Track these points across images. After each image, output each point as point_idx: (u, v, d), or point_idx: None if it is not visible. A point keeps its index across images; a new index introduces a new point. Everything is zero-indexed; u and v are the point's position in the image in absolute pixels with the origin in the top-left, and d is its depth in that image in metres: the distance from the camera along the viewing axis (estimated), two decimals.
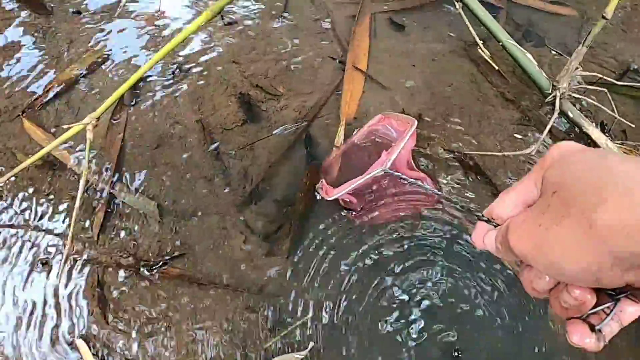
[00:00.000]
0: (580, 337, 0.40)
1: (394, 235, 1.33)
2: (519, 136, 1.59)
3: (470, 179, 1.48)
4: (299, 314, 1.20)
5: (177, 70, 1.54)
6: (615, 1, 1.43)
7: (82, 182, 0.95)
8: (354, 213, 1.33)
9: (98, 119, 0.93)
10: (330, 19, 1.77)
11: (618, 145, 1.55)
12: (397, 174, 0.69)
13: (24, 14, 1.58)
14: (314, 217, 1.36)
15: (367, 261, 1.30)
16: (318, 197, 1.35)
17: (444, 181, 1.46)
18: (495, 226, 0.47)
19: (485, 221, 0.48)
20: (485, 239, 0.47)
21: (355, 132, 1.43)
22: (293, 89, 1.58)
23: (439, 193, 0.69)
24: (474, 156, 1.52)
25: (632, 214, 0.33)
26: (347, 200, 1.29)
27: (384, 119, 1.38)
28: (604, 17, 1.45)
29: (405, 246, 1.32)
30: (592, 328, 0.40)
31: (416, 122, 1.23)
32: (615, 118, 1.62)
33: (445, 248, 1.32)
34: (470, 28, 1.67)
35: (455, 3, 1.68)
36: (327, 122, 1.54)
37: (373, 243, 1.33)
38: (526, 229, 0.41)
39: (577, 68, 1.57)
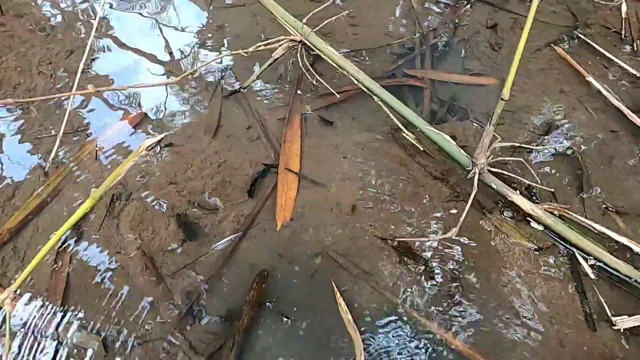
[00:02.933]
0: None
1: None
2: (452, 212, 1.67)
3: (405, 264, 1.54)
4: None
5: (116, 199, 1.63)
6: (509, 84, 1.55)
7: (5, 350, 1.01)
8: None
9: (16, 291, 1.00)
10: (262, 125, 1.89)
11: (544, 208, 1.62)
12: None
13: None
14: (260, 329, 1.40)
15: None
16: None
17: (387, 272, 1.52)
18: None
19: None
20: None
21: None
22: (230, 200, 1.67)
23: None
24: (408, 242, 1.58)
25: None
26: None
27: None
28: (502, 99, 1.56)
29: None
30: None
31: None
32: (539, 182, 1.71)
33: None
34: (392, 116, 1.79)
35: (373, 96, 1.81)
36: (266, 227, 1.61)
37: (313, 346, 1.37)
38: None
39: (494, 140, 1.67)
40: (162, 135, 0.94)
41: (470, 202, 1.53)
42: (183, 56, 2.12)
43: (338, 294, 1.45)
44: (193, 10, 2.36)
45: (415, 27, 2.32)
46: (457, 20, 2.36)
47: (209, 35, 2.23)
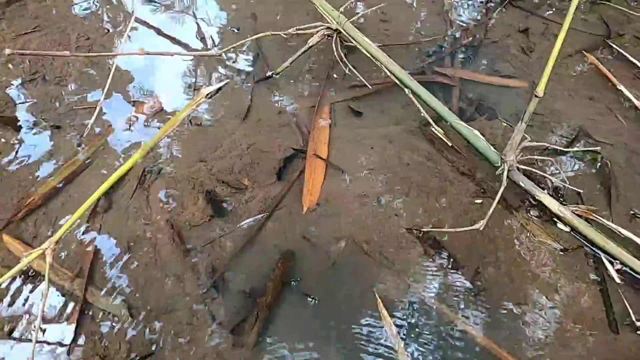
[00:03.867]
0: None
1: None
2: (476, 208, 1.67)
3: (430, 254, 1.54)
4: None
5: (147, 173, 1.66)
6: (544, 81, 1.56)
7: (43, 302, 1.03)
8: None
9: (57, 242, 1.02)
10: (292, 112, 1.90)
11: (572, 209, 1.62)
12: None
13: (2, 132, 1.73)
14: (283, 307, 1.41)
15: (331, 347, 1.34)
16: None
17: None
18: None
19: None
20: None
21: None
22: (258, 181, 1.68)
23: None
24: (434, 233, 1.59)
25: None
26: None
27: None
28: (536, 96, 1.57)
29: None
30: None
31: None
32: (567, 183, 1.70)
33: None
34: (422, 110, 1.80)
35: (405, 89, 1.82)
36: (291, 210, 1.63)
37: (342, 331, 1.38)
38: None
39: (523, 140, 1.67)
40: (221, 84, 0.95)
41: (498, 197, 1.53)
42: (213, 42, 2.14)
43: (380, 302, 1.45)
44: None
45: (446, 26, 2.33)
46: (488, 23, 2.37)
47: (241, 23, 2.25)
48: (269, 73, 1.96)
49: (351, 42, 1.84)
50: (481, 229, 1.46)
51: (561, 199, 1.70)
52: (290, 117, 1.89)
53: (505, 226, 1.63)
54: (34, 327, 1.22)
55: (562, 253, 1.57)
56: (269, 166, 1.72)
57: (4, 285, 1.36)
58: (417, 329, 1.40)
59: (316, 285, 1.47)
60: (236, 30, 2.20)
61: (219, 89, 0.92)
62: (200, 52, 1.81)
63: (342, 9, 1.84)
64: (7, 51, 1.28)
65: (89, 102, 1.84)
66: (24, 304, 1.37)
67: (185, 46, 2.11)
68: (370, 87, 1.89)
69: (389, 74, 1.80)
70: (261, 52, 2.12)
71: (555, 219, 1.64)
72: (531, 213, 1.66)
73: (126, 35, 1.80)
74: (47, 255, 0.99)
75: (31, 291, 1.39)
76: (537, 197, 1.64)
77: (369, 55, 1.80)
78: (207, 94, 0.91)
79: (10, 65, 1.88)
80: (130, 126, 1.77)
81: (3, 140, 1.69)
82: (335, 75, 2.04)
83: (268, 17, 2.27)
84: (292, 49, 2.08)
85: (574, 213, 1.61)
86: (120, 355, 1.31)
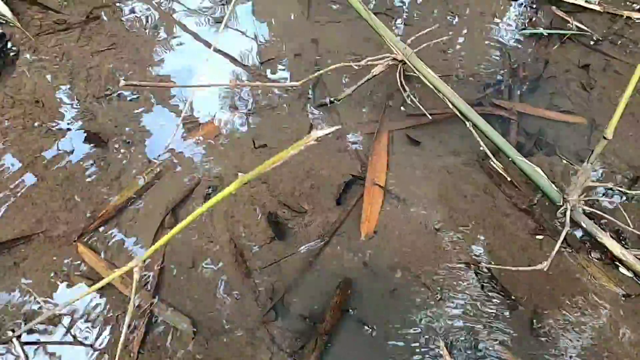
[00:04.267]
0: None
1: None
2: (535, 247, 1.66)
3: (488, 291, 1.54)
4: None
5: (212, 191, 1.72)
6: (614, 124, 1.54)
7: (127, 316, 1.08)
8: None
9: (144, 261, 1.08)
10: (351, 138, 1.94)
11: (635, 254, 1.59)
12: None
13: (81, 146, 1.82)
14: (341, 334, 1.44)
15: None
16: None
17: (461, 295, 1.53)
18: None
19: None
20: None
21: None
22: (317, 206, 1.72)
23: None
24: (490, 268, 1.59)
25: None
26: None
27: None
28: (605, 138, 1.55)
29: None
30: None
31: None
32: (631, 226, 1.67)
33: None
34: (482, 143, 1.81)
35: (465, 122, 1.83)
36: (350, 237, 1.65)
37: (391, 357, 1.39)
38: None
39: (586, 180, 1.66)
40: (333, 129, 0.99)
41: (562, 237, 1.52)
42: (272, 65, 2.20)
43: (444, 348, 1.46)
44: (289, 21, 2.45)
45: (505, 60, 2.34)
46: (548, 57, 2.36)
47: (302, 48, 2.31)
48: (331, 99, 2.00)
49: (414, 72, 1.87)
50: (545, 269, 1.45)
51: (623, 242, 1.67)
52: (348, 143, 1.92)
53: (565, 267, 1.61)
54: (107, 336, 1.27)
55: (623, 298, 1.54)
56: (328, 191, 1.76)
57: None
58: None
59: (373, 313, 1.48)
60: (300, 54, 2.26)
61: (329, 133, 0.95)
62: (282, 84, 1.87)
63: (409, 41, 1.87)
64: (122, 83, 1.38)
65: (160, 122, 1.92)
66: (91, 312, 1.44)
67: (245, 66, 2.18)
68: (430, 117, 1.90)
69: (450, 105, 1.82)
70: (320, 77, 2.17)
71: (618, 263, 1.61)
72: (592, 255, 1.64)
73: (205, 61, 1.88)
74: (135, 273, 1.05)
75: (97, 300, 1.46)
76: (599, 239, 1.61)
77: (432, 86, 1.82)
78: (318, 137, 0.95)
79: (89, 81, 1.98)
80: (197, 145, 1.84)
81: (81, 153, 1.78)
82: (391, 104, 2.07)
83: (328, 44, 2.33)
84: (350, 74, 2.12)
85: (637, 257, 1.58)
86: None
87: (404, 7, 2.52)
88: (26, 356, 1.32)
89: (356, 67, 1.78)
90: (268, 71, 2.17)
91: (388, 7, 2.52)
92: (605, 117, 2.11)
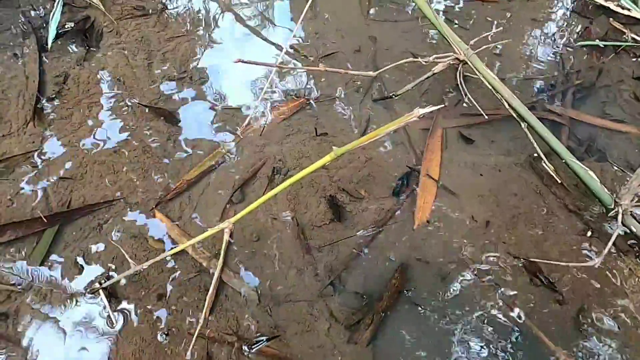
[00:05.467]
0: None
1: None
2: (583, 247, 1.71)
3: (536, 285, 1.61)
4: None
5: (277, 172, 1.83)
6: None
7: (216, 275, 1.20)
8: None
9: (234, 223, 1.19)
10: (406, 132, 2.03)
11: None
12: None
13: (157, 123, 1.96)
14: (394, 313, 1.53)
15: (439, 355, 1.44)
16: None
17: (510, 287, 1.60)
18: None
19: None
20: None
21: None
22: (373, 193, 1.81)
23: None
24: (540, 264, 1.65)
25: None
26: None
27: None
28: None
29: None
30: None
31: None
32: None
33: None
34: (535, 145, 1.87)
35: (521, 123, 1.90)
36: (404, 225, 1.74)
37: (444, 336, 1.48)
38: None
39: (639, 185, 1.71)
40: (436, 107, 1.07)
41: (613, 238, 1.58)
42: (332, 60, 2.30)
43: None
44: (349, 20, 2.55)
45: (559, 66, 2.39)
46: (601, 67, 2.40)
47: (361, 44, 2.41)
48: (390, 94, 2.10)
49: (471, 74, 1.95)
50: (596, 266, 1.51)
51: None
52: (404, 136, 2.01)
53: (613, 269, 1.67)
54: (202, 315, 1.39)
55: None
56: (384, 180, 1.85)
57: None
58: (517, 353, 1.47)
59: (425, 296, 1.57)
60: (359, 50, 2.36)
61: (430, 111, 1.04)
62: (359, 72, 1.98)
63: (472, 42, 1.95)
64: (235, 60, 1.50)
65: (229, 105, 2.05)
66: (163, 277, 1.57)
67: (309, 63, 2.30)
68: (486, 116, 1.98)
69: (507, 106, 1.89)
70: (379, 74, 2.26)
71: None
72: None
73: (285, 49, 2.00)
74: (225, 234, 1.16)
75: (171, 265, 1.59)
76: None
77: (490, 87, 1.90)
78: (420, 114, 1.04)
79: (165, 64, 2.13)
80: (262, 130, 1.96)
81: (157, 129, 1.92)
82: (446, 103, 2.15)
83: (385, 42, 2.42)
84: (406, 72, 2.21)
85: None
86: (250, 333, 1.47)
87: (461, 11, 2.59)
88: (111, 307, 1.45)
89: (423, 63, 1.86)
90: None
91: (444, 10, 2.60)
92: None
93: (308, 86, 2.17)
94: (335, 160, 1.88)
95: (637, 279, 1.63)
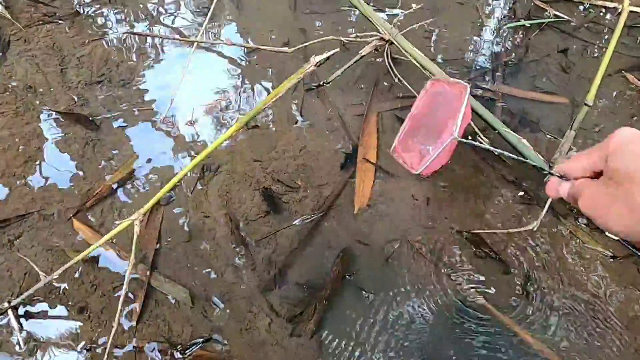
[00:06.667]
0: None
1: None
2: (523, 215, 1.70)
3: (481, 257, 1.58)
4: None
5: (206, 170, 1.73)
6: (594, 90, 1.61)
7: (128, 270, 1.09)
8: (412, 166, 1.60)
9: (145, 214, 1.09)
10: (341, 118, 1.98)
11: None
12: (466, 141, 0.91)
13: (73, 129, 1.82)
14: (338, 301, 1.45)
15: (386, 338, 1.37)
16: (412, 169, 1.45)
17: (459, 259, 1.56)
18: (564, 179, 0.65)
19: (558, 176, 0.65)
20: (560, 189, 0.65)
21: (415, 103, 1.74)
22: (310, 182, 1.74)
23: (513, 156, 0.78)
24: (482, 235, 1.62)
25: None
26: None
27: (436, 83, 1.67)
28: (586, 104, 1.62)
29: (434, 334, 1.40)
30: None
31: (469, 87, 1.51)
32: None
33: None
34: (470, 121, 1.86)
35: None
36: (344, 210, 1.68)
37: (390, 319, 1.41)
38: (593, 199, 0.58)
39: (570, 150, 1.72)
40: (331, 52, 1.01)
41: (549, 202, 1.56)
42: (259, 54, 2.24)
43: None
44: (277, 13, 2.50)
45: (487, 45, 2.41)
46: (528, 43, 2.44)
47: (292, 37, 2.36)
48: (320, 82, 2.05)
49: (402, 53, 1.93)
50: (534, 229, 1.49)
51: None
52: (339, 123, 1.96)
53: (554, 233, 1.66)
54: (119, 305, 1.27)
55: (612, 260, 1.58)
56: (320, 168, 1.79)
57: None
58: (469, 329, 1.43)
59: (369, 280, 1.50)
60: (289, 42, 2.31)
61: (328, 57, 0.98)
62: (276, 48, 1.91)
63: (396, 21, 1.93)
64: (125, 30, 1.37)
65: (147, 103, 1.94)
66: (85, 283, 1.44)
67: (237, 57, 2.22)
68: (417, 96, 1.95)
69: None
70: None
71: None
72: (579, 221, 1.68)
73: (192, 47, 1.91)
74: (136, 226, 1.06)
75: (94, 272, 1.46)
76: None
77: (419, 65, 1.88)
78: (317, 62, 0.98)
79: (80, 68, 2.00)
80: (190, 125, 1.86)
81: (74, 135, 1.78)
82: (379, 87, 2.12)
83: (315, 33, 2.38)
84: (337, 60, 2.18)
85: None
86: (183, 337, 1.35)
87: None
88: (20, 327, 1.31)
89: (344, 41, 1.82)
90: (255, 57, 2.21)
91: None
92: (584, 96, 2.20)
93: (236, 78, 2.09)
94: (268, 152, 1.81)
95: (577, 240, 1.63)
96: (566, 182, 0.65)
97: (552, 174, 0.66)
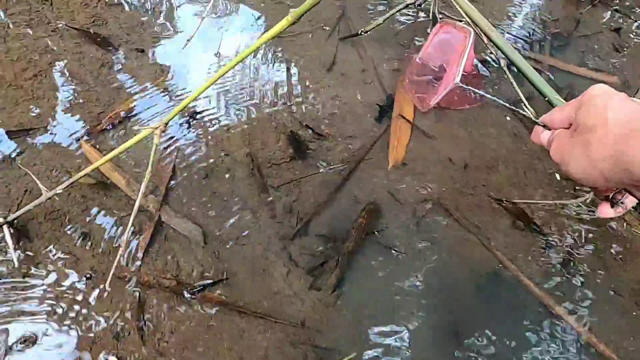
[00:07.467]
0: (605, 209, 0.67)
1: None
2: (566, 188, 1.57)
3: (519, 228, 1.45)
4: (341, 350, 1.14)
5: (230, 104, 1.59)
6: None
7: (142, 188, 0.96)
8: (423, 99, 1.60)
9: (166, 124, 0.96)
10: (376, 71, 1.83)
11: None
12: (468, 88, 0.91)
13: (89, 48, 1.68)
14: (362, 256, 1.33)
15: (413, 299, 1.25)
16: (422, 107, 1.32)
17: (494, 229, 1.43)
18: (547, 129, 0.69)
19: (542, 126, 0.69)
20: (541, 137, 0.69)
21: (424, 45, 1.73)
22: (339, 132, 1.60)
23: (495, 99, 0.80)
24: (521, 205, 1.49)
25: (610, 150, 0.53)
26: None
27: (444, 25, 1.65)
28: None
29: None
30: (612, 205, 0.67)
31: (473, 32, 1.48)
32: None
33: None
34: (515, 86, 1.71)
35: (501, 60, 1.74)
36: (375, 165, 1.54)
37: (419, 281, 1.29)
38: (560, 146, 0.63)
39: None
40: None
41: None
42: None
43: None
44: None
45: (537, 15, 2.25)
46: (579, 17, 2.28)
47: None
48: (359, 31, 1.89)
49: (452, 4, 1.77)
50: (587, 201, 1.35)
51: None
52: (374, 76, 1.81)
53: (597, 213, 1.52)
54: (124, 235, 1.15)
55: None
56: (351, 119, 1.65)
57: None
58: (501, 299, 1.30)
59: (399, 239, 1.37)
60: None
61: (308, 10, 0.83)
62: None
63: None
64: None
65: (171, 32, 1.80)
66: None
67: None
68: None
69: (486, 42, 1.71)
70: (345, 12, 2.06)
71: None
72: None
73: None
74: (156, 136, 0.93)
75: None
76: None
77: (466, 17, 1.72)
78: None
79: None
80: (213, 57, 1.72)
81: (89, 55, 1.64)
82: (418, 45, 1.97)
83: None
84: (373, 15, 2.03)
85: None
86: (192, 277, 1.23)
87: None
88: (16, 244, 1.18)
89: None
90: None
91: None
92: (637, 76, 2.05)
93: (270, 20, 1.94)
94: (297, 96, 1.66)
95: (623, 222, 1.49)
96: (547, 131, 0.69)
97: (537, 123, 0.71)
